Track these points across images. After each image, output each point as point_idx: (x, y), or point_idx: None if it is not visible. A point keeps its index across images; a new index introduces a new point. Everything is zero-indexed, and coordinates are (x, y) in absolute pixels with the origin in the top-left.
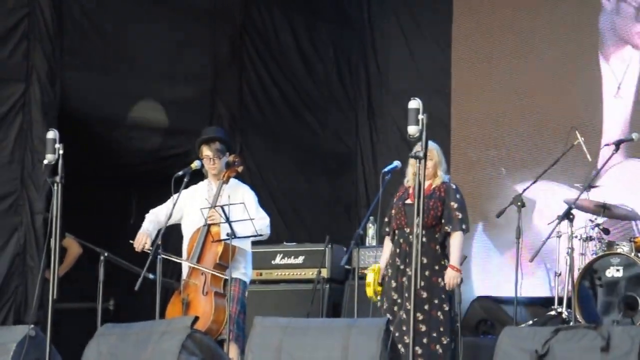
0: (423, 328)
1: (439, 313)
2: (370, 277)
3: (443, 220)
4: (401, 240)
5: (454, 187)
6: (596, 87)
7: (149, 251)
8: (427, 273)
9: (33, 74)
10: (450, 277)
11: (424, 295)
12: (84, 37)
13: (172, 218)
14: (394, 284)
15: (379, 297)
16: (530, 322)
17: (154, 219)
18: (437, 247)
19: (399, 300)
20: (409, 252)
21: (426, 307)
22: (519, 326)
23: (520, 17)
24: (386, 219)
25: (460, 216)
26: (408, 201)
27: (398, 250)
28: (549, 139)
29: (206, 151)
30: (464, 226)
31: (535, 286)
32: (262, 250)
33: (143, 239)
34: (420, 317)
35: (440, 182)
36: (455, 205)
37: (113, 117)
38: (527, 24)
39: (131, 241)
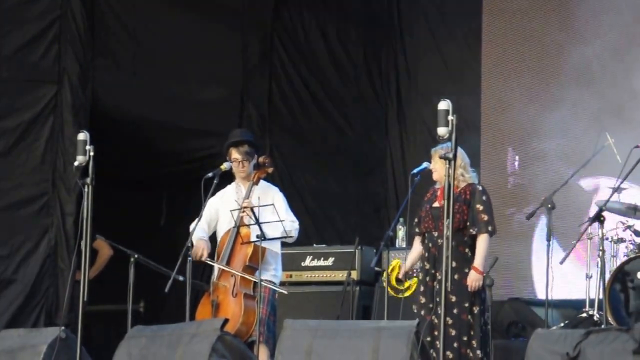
0: (453, 332)
1: (468, 316)
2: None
3: (468, 223)
4: (430, 245)
5: (480, 188)
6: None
7: (207, 261)
8: (456, 276)
9: (64, 76)
10: (472, 280)
11: (453, 299)
12: (115, 39)
13: (212, 225)
14: (422, 288)
15: (407, 294)
16: (562, 324)
17: (199, 228)
18: (466, 249)
19: (430, 305)
20: (438, 256)
21: (455, 310)
22: (550, 329)
23: (551, 16)
24: (416, 219)
25: (485, 218)
26: (435, 204)
27: (427, 254)
28: (582, 139)
29: (235, 154)
30: (489, 228)
31: (566, 288)
32: (291, 252)
33: (204, 248)
34: (449, 321)
35: (466, 184)
36: (481, 208)
37: (143, 118)
38: (558, 24)
39: (193, 250)
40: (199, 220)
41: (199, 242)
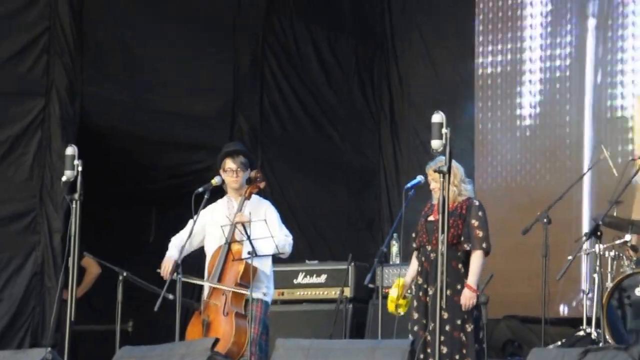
0: (445, 350)
1: (461, 334)
2: (394, 292)
3: (462, 238)
4: (423, 259)
5: (476, 203)
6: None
7: (191, 279)
8: (448, 292)
9: (53, 89)
10: (465, 298)
11: (445, 315)
12: (104, 51)
13: (195, 241)
14: (415, 303)
15: (401, 312)
16: (559, 342)
17: (179, 244)
18: (460, 265)
19: (422, 321)
20: (430, 271)
21: (447, 327)
22: (547, 347)
23: (544, 28)
24: (413, 234)
25: (481, 235)
26: (430, 218)
27: (420, 268)
28: (576, 152)
29: (230, 164)
30: (484, 245)
31: (563, 305)
32: (284, 269)
33: (169, 266)
34: (442, 338)
35: (464, 199)
36: (476, 224)
37: (133, 132)
38: (550, 36)
39: (158, 270)
40: (189, 237)
41: (167, 259)
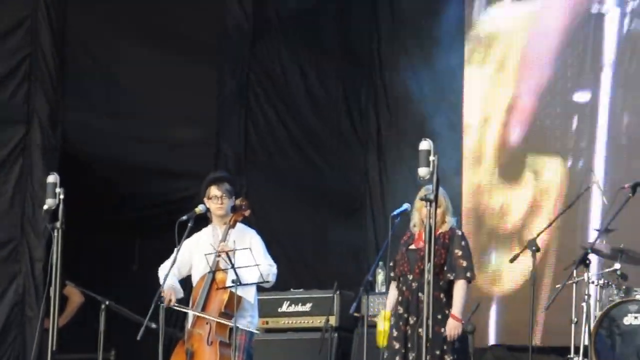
0: None
1: None
2: (382, 326)
3: (446, 268)
4: (404, 288)
5: (459, 233)
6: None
7: (180, 308)
8: (429, 322)
9: (34, 116)
10: (450, 328)
11: None
12: (86, 78)
13: (184, 269)
14: (395, 333)
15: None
16: None
17: (170, 273)
18: (442, 295)
19: (402, 351)
20: (411, 300)
21: (428, 357)
22: None
23: (532, 50)
24: (391, 264)
25: (464, 264)
26: (412, 247)
27: (401, 298)
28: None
29: (215, 191)
30: (468, 274)
31: (551, 334)
32: (268, 297)
33: (172, 295)
34: None
35: (447, 228)
36: (460, 253)
37: (115, 160)
38: (540, 57)
39: (160, 303)
40: (172, 265)
41: (167, 288)
